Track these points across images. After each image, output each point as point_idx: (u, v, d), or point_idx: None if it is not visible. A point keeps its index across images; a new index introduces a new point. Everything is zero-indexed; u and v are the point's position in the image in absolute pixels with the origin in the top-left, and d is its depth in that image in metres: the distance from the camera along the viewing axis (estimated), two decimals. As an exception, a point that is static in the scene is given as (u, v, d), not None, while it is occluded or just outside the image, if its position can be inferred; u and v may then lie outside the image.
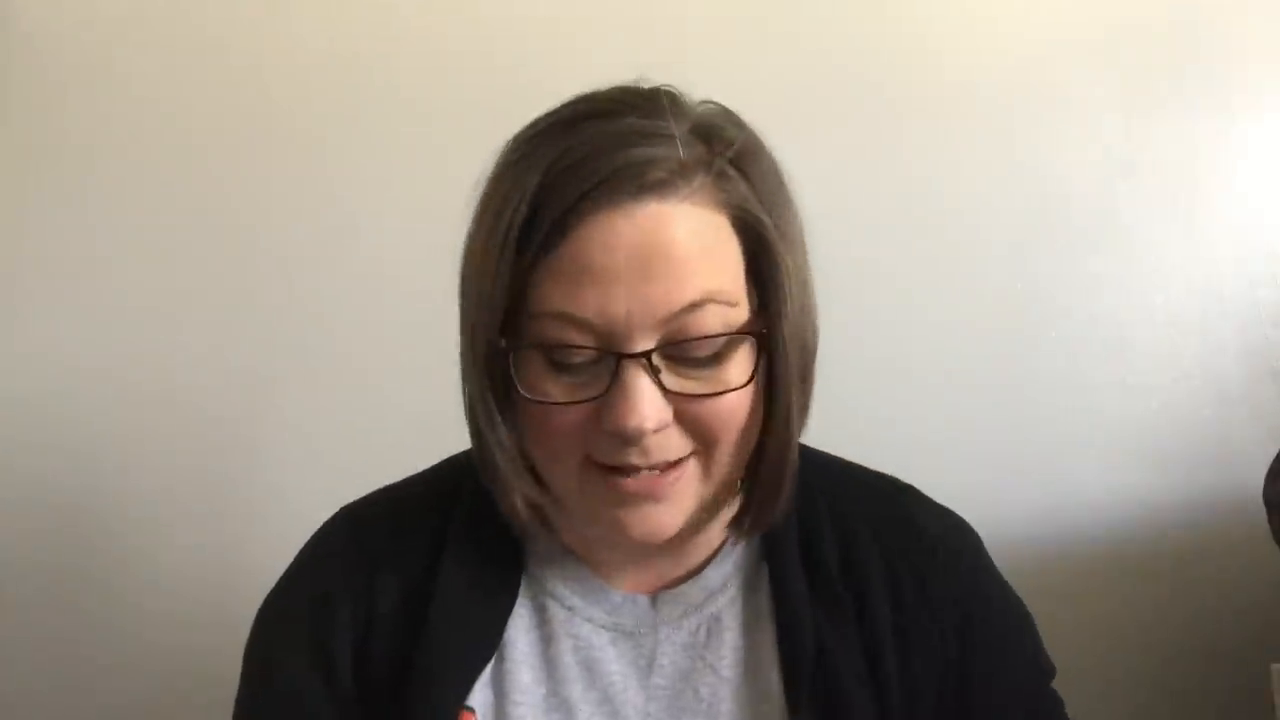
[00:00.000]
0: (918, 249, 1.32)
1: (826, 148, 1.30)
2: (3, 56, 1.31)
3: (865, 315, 1.31)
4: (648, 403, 0.61)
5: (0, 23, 1.31)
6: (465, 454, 0.75)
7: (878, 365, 1.31)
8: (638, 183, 0.60)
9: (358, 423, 1.30)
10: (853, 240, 1.30)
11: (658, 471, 0.64)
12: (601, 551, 0.72)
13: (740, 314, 0.63)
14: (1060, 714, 0.74)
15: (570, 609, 0.72)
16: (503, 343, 0.63)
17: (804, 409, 0.68)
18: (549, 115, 0.66)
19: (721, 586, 0.72)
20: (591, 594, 0.72)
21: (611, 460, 0.63)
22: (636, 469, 0.63)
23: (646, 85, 0.67)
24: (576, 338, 0.61)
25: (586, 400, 0.62)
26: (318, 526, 0.77)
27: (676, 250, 0.60)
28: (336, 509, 0.78)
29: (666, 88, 0.66)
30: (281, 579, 0.76)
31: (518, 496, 0.67)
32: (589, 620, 0.71)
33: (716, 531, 0.73)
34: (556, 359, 0.62)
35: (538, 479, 0.68)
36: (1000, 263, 1.33)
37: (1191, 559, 1.33)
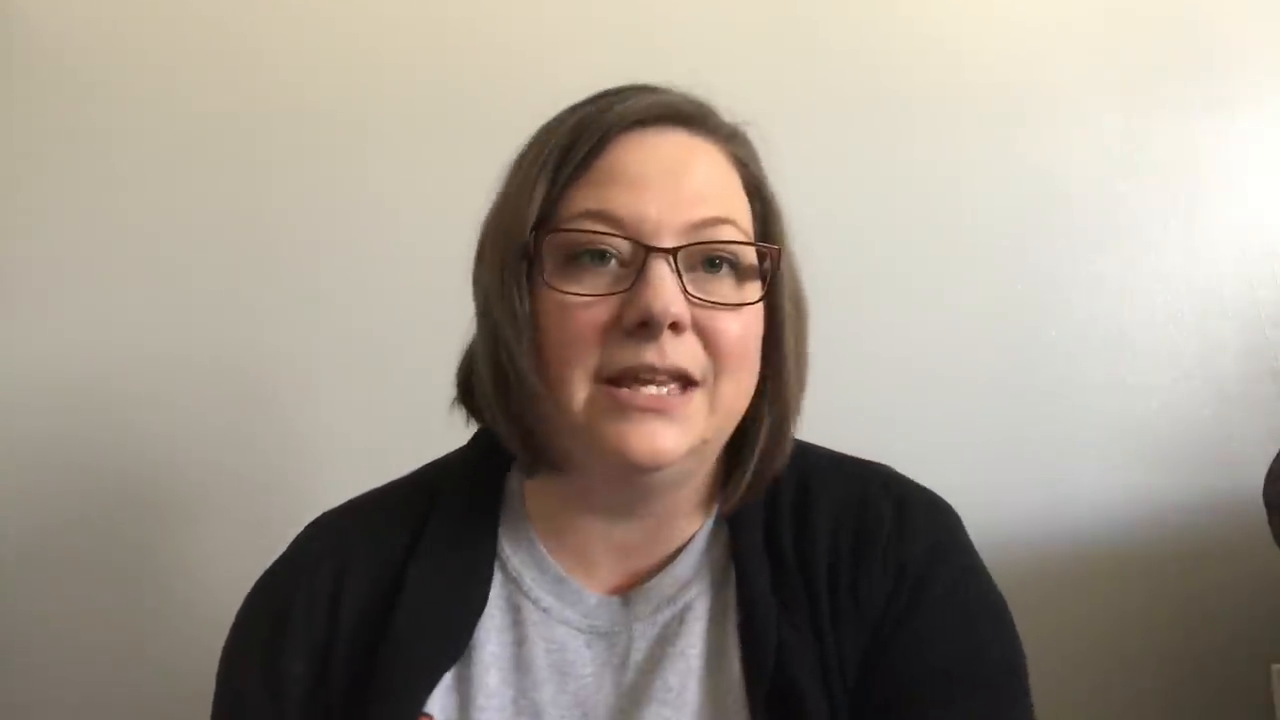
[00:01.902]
0: (918, 248, 1.32)
1: (827, 147, 1.30)
2: (3, 57, 1.31)
3: (865, 315, 1.31)
4: (671, 290, 0.64)
5: (2, 22, 1.31)
6: (443, 459, 0.78)
7: (878, 365, 1.31)
8: (672, 116, 0.68)
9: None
10: (853, 239, 1.30)
11: (666, 391, 0.65)
12: (575, 549, 0.73)
13: (751, 252, 0.69)
14: (1011, 713, 0.70)
15: (545, 610, 0.72)
16: (533, 234, 0.66)
17: (801, 376, 0.72)
18: (595, 94, 0.71)
19: (692, 577, 0.73)
20: (567, 596, 0.72)
21: (628, 362, 0.64)
22: (652, 372, 0.64)
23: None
24: (606, 229, 0.65)
25: (612, 294, 0.64)
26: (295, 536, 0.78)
27: (703, 172, 0.67)
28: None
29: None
30: (253, 586, 0.77)
31: (525, 404, 0.67)
32: (564, 623, 0.72)
33: (689, 519, 0.74)
34: (584, 259, 0.65)
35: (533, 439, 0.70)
36: (1000, 262, 1.33)
37: (1191, 559, 1.33)
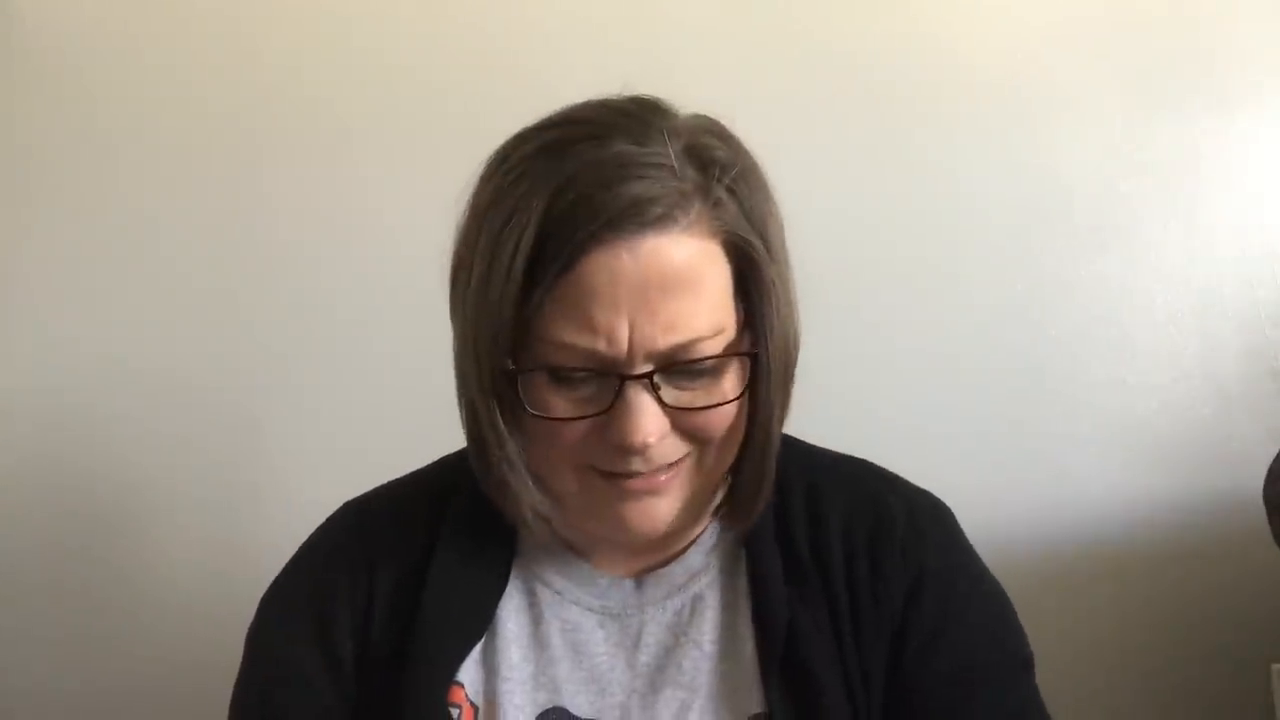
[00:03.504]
0: (919, 248, 1.33)
1: (828, 147, 1.30)
2: (4, 56, 1.32)
3: (866, 313, 1.31)
4: (650, 419, 0.65)
5: (2, 22, 1.31)
6: (458, 454, 0.79)
7: (878, 364, 1.31)
8: (640, 220, 0.63)
9: (367, 417, 1.31)
10: (853, 239, 1.30)
11: (655, 470, 0.67)
12: (591, 540, 0.76)
13: (731, 332, 0.67)
14: (1034, 708, 0.74)
15: (559, 593, 0.75)
16: (511, 366, 0.65)
17: (785, 408, 0.72)
18: (538, 133, 0.67)
19: (704, 567, 0.76)
20: (579, 578, 0.76)
21: (614, 468, 0.67)
22: (638, 474, 0.67)
23: (630, 96, 0.69)
24: (582, 362, 0.65)
25: (591, 416, 0.66)
26: (325, 519, 0.80)
27: (675, 281, 0.64)
28: (342, 502, 0.81)
29: (653, 100, 0.68)
30: (287, 567, 0.79)
31: (526, 507, 0.70)
32: (576, 603, 0.75)
33: (694, 521, 0.75)
34: (561, 377, 0.66)
35: (537, 484, 0.71)
36: (1001, 262, 1.33)
37: (1192, 559, 1.33)
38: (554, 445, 0.67)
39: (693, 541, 0.76)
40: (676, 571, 0.76)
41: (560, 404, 0.66)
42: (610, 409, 0.65)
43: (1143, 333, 1.33)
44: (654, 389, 0.65)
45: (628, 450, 0.65)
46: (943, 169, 1.33)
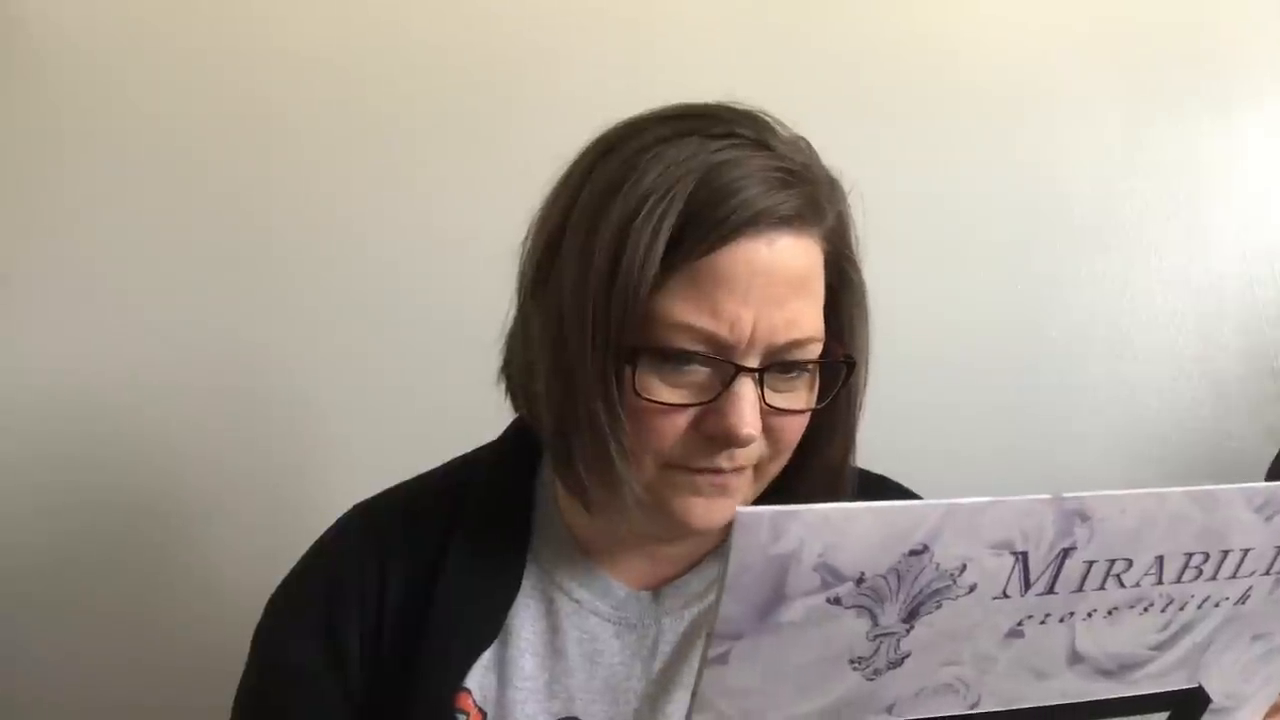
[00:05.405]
0: (917, 248, 1.32)
1: (824, 147, 1.29)
2: (5, 55, 1.31)
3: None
4: (754, 411, 0.66)
5: (3, 22, 1.31)
6: (477, 452, 0.80)
7: (876, 364, 1.31)
8: (783, 217, 0.66)
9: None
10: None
11: (727, 471, 0.68)
12: (607, 546, 0.76)
13: (822, 341, 0.69)
14: None
15: (577, 601, 0.75)
16: (632, 345, 0.65)
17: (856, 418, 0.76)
18: (664, 121, 0.68)
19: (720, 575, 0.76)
20: (597, 588, 0.75)
21: (698, 463, 0.67)
22: (719, 470, 0.68)
23: (738, 104, 0.71)
24: (701, 347, 0.65)
25: (696, 405, 0.66)
26: (335, 520, 0.80)
27: (799, 281, 0.67)
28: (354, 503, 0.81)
29: (764, 115, 0.71)
30: (296, 567, 0.79)
31: (628, 493, 0.68)
32: (595, 613, 0.75)
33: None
34: (668, 358, 0.66)
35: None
36: (1000, 262, 1.33)
37: (1191, 559, 1.33)
38: (649, 434, 0.67)
39: (709, 552, 0.77)
40: (694, 582, 0.76)
41: (664, 390, 0.66)
42: (716, 399, 0.65)
43: (1143, 333, 1.33)
44: (759, 384, 0.66)
45: (729, 441, 0.65)
46: (942, 169, 1.32)
